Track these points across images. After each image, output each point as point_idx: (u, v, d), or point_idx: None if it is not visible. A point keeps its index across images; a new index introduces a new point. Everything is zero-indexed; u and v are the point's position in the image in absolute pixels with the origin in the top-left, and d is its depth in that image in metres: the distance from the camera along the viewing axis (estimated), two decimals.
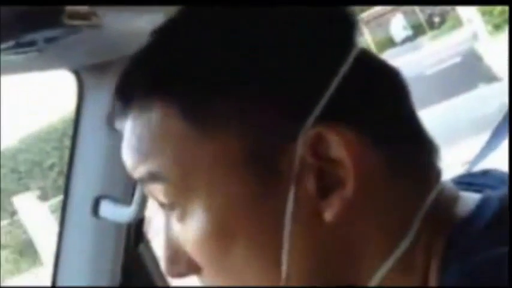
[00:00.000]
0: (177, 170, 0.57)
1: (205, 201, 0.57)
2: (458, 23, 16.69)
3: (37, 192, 13.93)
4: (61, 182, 14.11)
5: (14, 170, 14.85)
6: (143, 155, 0.58)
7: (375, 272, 0.57)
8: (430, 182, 0.59)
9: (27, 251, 13.58)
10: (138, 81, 0.60)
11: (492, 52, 10.68)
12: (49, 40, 0.75)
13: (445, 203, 0.58)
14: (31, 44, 0.73)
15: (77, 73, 1.04)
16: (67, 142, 14.03)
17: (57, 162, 14.50)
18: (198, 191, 0.57)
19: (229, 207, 0.57)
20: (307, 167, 0.55)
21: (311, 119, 0.55)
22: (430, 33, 19.22)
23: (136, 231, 1.23)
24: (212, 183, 0.56)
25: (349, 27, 0.59)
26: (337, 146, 0.54)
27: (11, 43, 0.70)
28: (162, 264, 0.62)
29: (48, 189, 14.37)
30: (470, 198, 0.59)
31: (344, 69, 0.56)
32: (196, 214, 0.57)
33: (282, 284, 0.57)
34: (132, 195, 1.10)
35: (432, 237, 0.57)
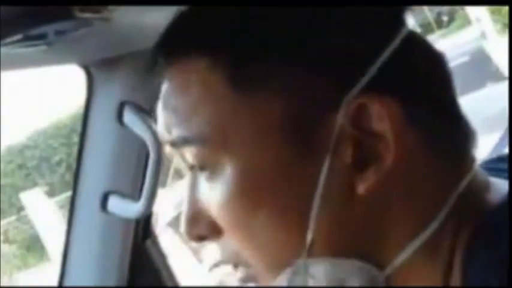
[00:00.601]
0: (214, 131, 0.57)
1: (237, 163, 0.56)
2: (466, 22, 16.64)
3: (45, 188, 13.96)
4: (68, 178, 14.13)
5: (21, 166, 14.88)
6: (180, 115, 0.58)
7: (400, 252, 0.56)
8: (465, 166, 0.58)
9: (34, 246, 13.62)
10: (184, 38, 0.60)
11: (501, 51, 10.64)
12: (59, 33, 0.74)
13: (477, 189, 0.58)
14: (41, 37, 0.73)
15: (87, 68, 1.04)
16: (75, 138, 14.05)
17: (64, 158, 14.53)
18: (232, 152, 0.56)
19: (261, 171, 0.56)
20: (345, 137, 0.55)
21: (356, 89, 0.54)
22: (438, 32, 19.19)
23: (144, 227, 1.22)
24: (247, 145, 0.56)
25: (400, 8, 0.59)
26: (380, 119, 0.54)
27: (20, 36, 0.70)
28: (182, 226, 0.61)
29: (56, 185, 14.40)
30: (500, 187, 0.58)
31: (393, 45, 0.56)
32: (226, 175, 0.57)
33: (303, 251, 0.56)
34: (141, 190, 1.10)
35: (460, 224, 0.56)
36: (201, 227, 0.61)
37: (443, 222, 0.56)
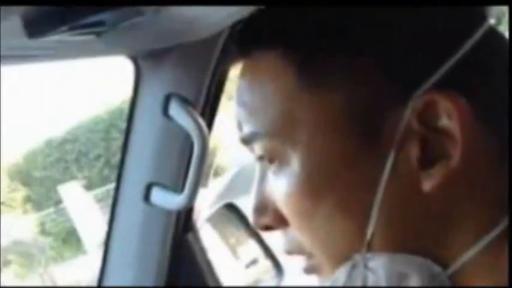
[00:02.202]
0: (282, 123, 0.58)
1: (303, 156, 0.57)
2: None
3: (82, 182, 14.10)
4: (106, 172, 14.28)
5: (60, 159, 15.07)
6: (251, 109, 0.60)
7: (464, 252, 0.55)
8: None
9: (70, 239, 13.78)
10: (258, 33, 0.61)
11: None
12: (111, 22, 0.75)
13: None
14: (92, 25, 0.73)
15: (135, 59, 1.04)
16: (114, 133, 14.20)
17: (103, 152, 14.67)
18: (298, 145, 0.57)
19: (326, 164, 0.57)
20: (412, 133, 0.55)
21: (427, 85, 0.54)
22: None
23: (185, 220, 1.23)
24: (313, 139, 0.57)
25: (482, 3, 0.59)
26: (449, 116, 0.54)
27: (71, 25, 0.70)
28: (250, 216, 0.64)
29: (94, 179, 14.55)
30: None
31: (470, 42, 0.55)
32: (292, 168, 0.58)
33: (363, 247, 0.56)
34: (184, 183, 1.10)
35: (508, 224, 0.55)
36: (267, 218, 0.63)
37: (510, 223, 0.55)
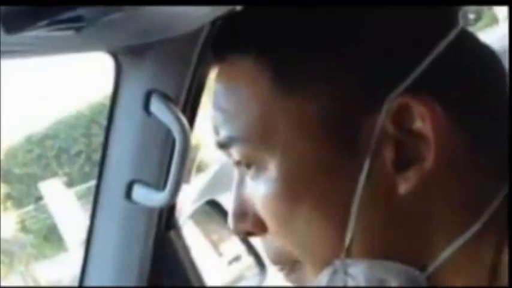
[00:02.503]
0: (258, 129, 0.58)
1: (280, 162, 0.57)
2: (493, 21, 16.53)
3: (63, 179, 14.05)
4: (87, 169, 14.23)
5: (41, 156, 15.00)
6: (227, 114, 0.60)
7: (441, 252, 0.56)
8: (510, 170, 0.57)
9: (51, 236, 13.72)
10: (232, 37, 0.62)
11: None
12: (90, 18, 0.74)
13: None
14: (71, 21, 0.72)
15: (115, 55, 1.03)
16: (95, 129, 14.16)
17: (84, 149, 14.62)
18: (275, 151, 0.57)
19: (302, 170, 0.57)
20: (386, 137, 0.55)
21: (399, 89, 0.55)
22: None
23: (167, 218, 1.22)
24: (289, 144, 0.57)
25: (453, 7, 0.59)
26: (422, 119, 0.54)
27: (50, 20, 0.69)
28: (229, 220, 0.64)
29: (75, 175, 14.50)
30: None
31: (441, 45, 0.56)
32: (269, 173, 0.58)
33: (342, 250, 0.57)
34: (166, 180, 1.10)
35: (505, 226, 0.55)
36: (247, 223, 0.63)
37: (487, 222, 0.55)
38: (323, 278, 0.58)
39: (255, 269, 1.48)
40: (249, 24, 0.61)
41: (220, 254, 1.60)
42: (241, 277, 1.58)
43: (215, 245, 1.61)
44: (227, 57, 0.62)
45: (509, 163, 0.56)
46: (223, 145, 0.62)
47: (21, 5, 0.61)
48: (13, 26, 0.62)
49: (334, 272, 0.57)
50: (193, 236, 1.47)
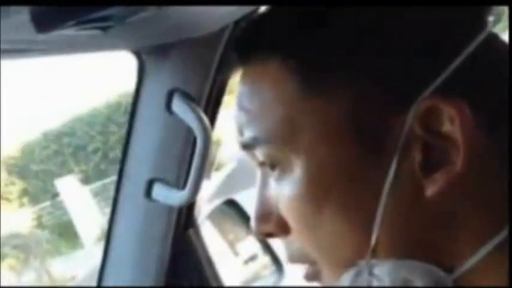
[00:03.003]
0: (283, 130, 0.58)
1: (305, 163, 0.57)
2: None
3: (79, 176, 14.10)
4: (104, 166, 14.28)
5: (57, 152, 15.05)
6: (252, 115, 0.60)
7: (468, 257, 0.55)
8: None
9: (67, 233, 13.77)
10: (258, 39, 0.62)
11: None
12: (116, 18, 0.75)
13: None
14: (97, 21, 0.73)
15: (138, 54, 1.04)
16: (111, 127, 14.20)
17: (101, 146, 14.65)
18: (301, 152, 0.58)
19: (328, 170, 0.57)
20: (414, 139, 0.55)
21: (428, 91, 0.54)
22: None
23: (186, 216, 1.23)
24: (316, 146, 0.57)
25: (482, 9, 0.59)
26: (451, 121, 0.54)
27: (77, 20, 0.70)
28: (252, 222, 0.64)
29: (91, 173, 14.54)
30: None
31: (470, 48, 0.55)
32: (294, 174, 0.58)
33: (367, 253, 0.57)
34: (186, 179, 1.10)
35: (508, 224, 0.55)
36: (269, 225, 0.62)
37: None
38: (346, 279, 0.58)
39: (271, 268, 1.48)
40: (274, 26, 0.61)
41: (236, 254, 1.61)
42: (257, 276, 1.58)
43: (231, 245, 1.61)
44: (252, 59, 0.62)
45: (509, 164, 0.56)
46: (247, 146, 0.62)
47: (51, 5, 0.61)
48: (43, 25, 0.63)
49: (358, 273, 0.57)
50: (210, 235, 1.48)
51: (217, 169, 12.03)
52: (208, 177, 1.20)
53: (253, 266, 1.59)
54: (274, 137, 0.59)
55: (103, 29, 0.76)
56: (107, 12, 0.68)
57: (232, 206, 1.47)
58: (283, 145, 0.58)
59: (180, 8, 0.83)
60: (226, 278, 1.35)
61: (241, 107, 0.62)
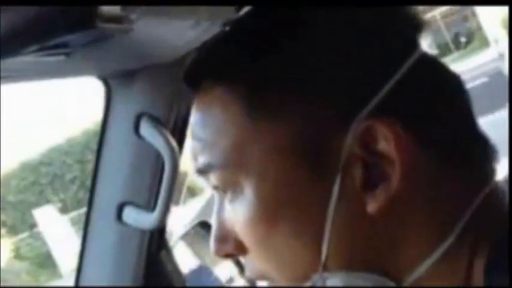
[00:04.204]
0: (234, 155, 0.60)
1: (255, 185, 0.60)
2: (484, 43, 16.60)
3: (58, 205, 13.99)
4: (82, 195, 14.19)
5: (35, 183, 14.95)
6: (204, 142, 0.63)
7: (415, 268, 0.58)
8: (483, 181, 0.60)
9: (46, 263, 13.63)
10: (205, 67, 0.64)
11: None
12: (80, 43, 0.76)
13: (497, 201, 0.60)
14: (61, 46, 0.74)
15: (105, 80, 1.05)
16: (89, 156, 14.13)
17: (78, 175, 14.57)
18: (250, 175, 0.60)
19: (277, 192, 0.59)
20: (355, 159, 0.57)
21: (364, 113, 0.57)
22: (456, 53, 19.14)
23: (158, 238, 1.23)
24: (263, 168, 0.60)
25: (414, 29, 0.62)
26: (386, 140, 0.57)
27: (40, 45, 0.71)
28: (211, 244, 0.66)
29: (69, 202, 14.44)
30: None
31: (403, 69, 0.58)
32: (246, 197, 0.61)
33: (319, 267, 0.59)
34: (156, 202, 1.11)
35: (479, 237, 0.58)
36: (228, 246, 0.65)
37: (460, 235, 0.57)
38: None
39: None
40: (220, 53, 0.64)
41: None
42: None
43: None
44: (201, 86, 0.64)
45: (509, 164, 0.57)
46: (201, 171, 0.64)
47: (11, 30, 0.63)
48: (4, 51, 0.64)
49: (313, 287, 0.59)
50: (186, 258, 1.48)
51: (195, 195, 12.00)
52: (177, 203, 1.21)
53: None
54: (226, 162, 0.61)
55: (65, 54, 0.77)
56: (67, 38, 0.70)
57: (207, 228, 1.48)
58: (235, 169, 0.61)
59: (142, 35, 0.85)
60: None
61: (194, 136, 0.64)
